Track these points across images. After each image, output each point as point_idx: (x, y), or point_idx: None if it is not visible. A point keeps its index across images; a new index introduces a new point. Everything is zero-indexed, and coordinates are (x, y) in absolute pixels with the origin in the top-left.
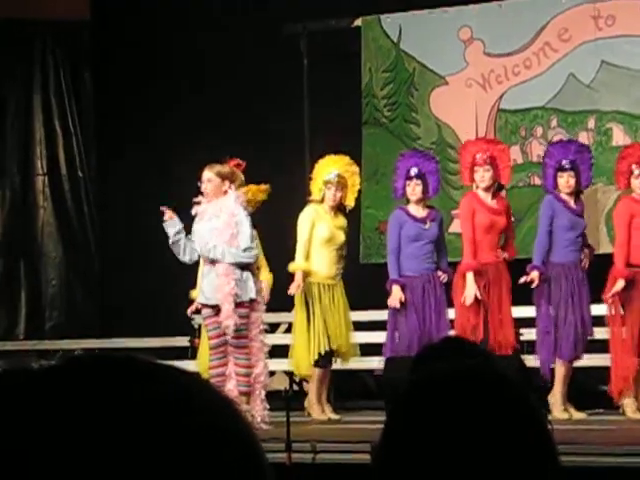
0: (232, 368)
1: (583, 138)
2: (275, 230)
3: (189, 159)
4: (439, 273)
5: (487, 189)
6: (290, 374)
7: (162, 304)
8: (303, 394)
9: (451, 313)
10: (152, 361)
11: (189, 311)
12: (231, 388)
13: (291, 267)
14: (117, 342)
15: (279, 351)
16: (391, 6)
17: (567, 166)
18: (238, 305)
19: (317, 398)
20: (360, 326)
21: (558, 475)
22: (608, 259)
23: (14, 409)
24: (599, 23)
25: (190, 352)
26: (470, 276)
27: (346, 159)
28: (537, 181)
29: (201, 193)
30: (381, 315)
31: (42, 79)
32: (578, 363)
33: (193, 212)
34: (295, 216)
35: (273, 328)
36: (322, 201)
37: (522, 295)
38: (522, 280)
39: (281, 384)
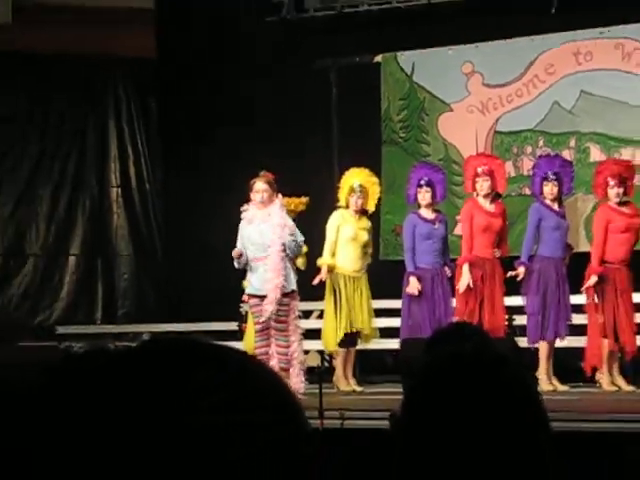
0: (274, 348)
1: (566, 155)
2: (310, 230)
3: (238, 174)
4: (445, 268)
5: (486, 196)
6: (322, 353)
7: (215, 295)
8: (332, 370)
9: (454, 302)
10: (212, 343)
11: (244, 297)
12: (274, 364)
13: (318, 262)
14: (177, 326)
15: (312, 334)
16: (406, 45)
17: (552, 177)
18: (282, 295)
19: (343, 373)
20: (380, 312)
21: (548, 436)
22: (586, 257)
23: (96, 385)
24: (579, 59)
25: (238, 335)
26: (466, 267)
27: (367, 171)
28: (527, 191)
29: (247, 201)
30: (397, 303)
31: (115, 107)
32: (562, 344)
33: (243, 217)
34: (326, 219)
35: (307, 314)
36: (347, 206)
37: (515, 287)
38: (510, 274)
39: (314, 361)
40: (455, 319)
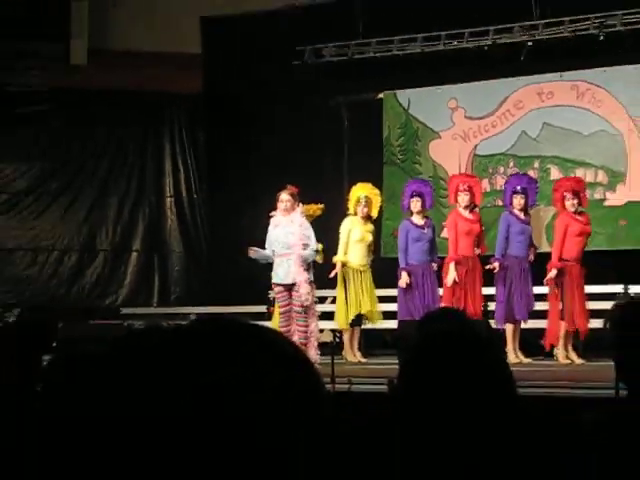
0: (295, 327)
1: (531, 174)
2: (325, 232)
3: (267, 188)
4: (432, 264)
5: (466, 207)
6: (334, 331)
7: (248, 284)
8: (342, 345)
9: (441, 291)
10: (247, 321)
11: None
12: (296, 340)
13: (334, 259)
14: (218, 309)
15: (326, 315)
16: (403, 85)
17: (520, 190)
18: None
19: (350, 347)
20: (381, 299)
21: (514, 397)
22: (547, 256)
23: (153, 357)
24: (542, 97)
25: (266, 316)
26: (452, 266)
27: (370, 185)
28: (500, 203)
29: (275, 209)
30: (395, 292)
31: (170, 134)
32: (526, 325)
33: (271, 222)
34: (338, 223)
35: (322, 300)
36: (355, 214)
37: (488, 279)
38: (487, 267)
39: (327, 338)
40: (442, 305)
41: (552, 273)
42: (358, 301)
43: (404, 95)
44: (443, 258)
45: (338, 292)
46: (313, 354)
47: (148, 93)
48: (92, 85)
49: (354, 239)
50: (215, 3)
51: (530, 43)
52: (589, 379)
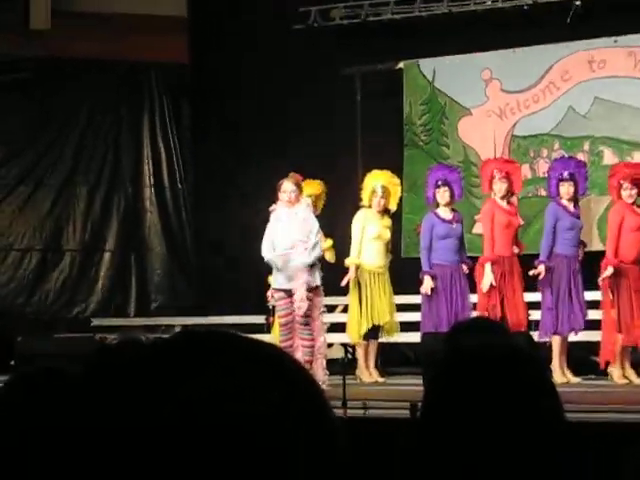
0: (298, 342)
1: (580, 158)
2: (335, 226)
3: (265, 175)
4: (462, 265)
5: (503, 197)
6: (345, 345)
7: (242, 290)
8: (355, 362)
9: (474, 297)
10: (241, 335)
11: (268, 294)
12: (299, 357)
13: (347, 261)
14: (208, 319)
15: (336, 327)
16: (427, 52)
17: (567, 177)
18: (307, 290)
19: (365, 365)
20: (401, 307)
21: (563, 426)
22: (599, 255)
23: (130, 373)
24: (593, 67)
25: (266, 328)
26: (488, 266)
27: (388, 173)
28: (543, 192)
29: (275, 200)
30: (417, 299)
31: (150, 111)
32: (575, 338)
33: (271, 216)
34: (349, 216)
35: (332, 309)
36: (370, 206)
37: (531, 283)
38: (531, 273)
39: (338, 354)
40: (475, 314)
41: (608, 271)
42: (374, 310)
43: (428, 65)
44: (473, 258)
45: (350, 299)
46: (320, 374)
47: (122, 63)
48: (56, 53)
49: (369, 236)
50: None
51: (578, 2)
52: None
